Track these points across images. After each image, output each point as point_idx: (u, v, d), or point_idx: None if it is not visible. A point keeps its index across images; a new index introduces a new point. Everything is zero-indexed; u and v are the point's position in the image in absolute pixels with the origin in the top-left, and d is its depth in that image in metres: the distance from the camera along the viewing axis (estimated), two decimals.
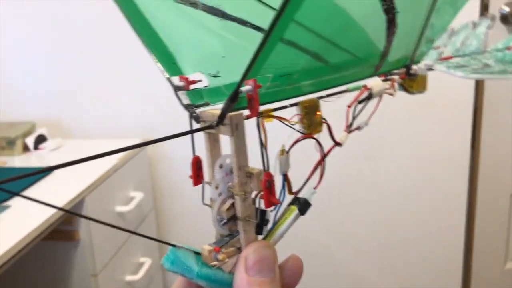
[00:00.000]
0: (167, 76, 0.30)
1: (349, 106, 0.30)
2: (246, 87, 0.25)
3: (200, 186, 0.29)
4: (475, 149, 1.52)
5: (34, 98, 1.59)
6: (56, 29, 1.52)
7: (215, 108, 0.28)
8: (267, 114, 0.29)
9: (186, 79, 0.29)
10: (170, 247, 0.28)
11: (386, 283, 1.62)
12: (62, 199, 1.09)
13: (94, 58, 1.53)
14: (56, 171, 1.23)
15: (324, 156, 0.30)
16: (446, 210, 1.54)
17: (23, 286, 1.30)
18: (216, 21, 0.28)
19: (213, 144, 0.30)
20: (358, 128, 0.31)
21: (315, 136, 0.30)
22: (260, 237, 0.30)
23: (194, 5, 0.28)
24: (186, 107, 0.29)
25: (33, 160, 1.37)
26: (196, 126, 0.29)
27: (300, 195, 0.30)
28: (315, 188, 0.30)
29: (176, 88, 0.29)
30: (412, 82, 0.35)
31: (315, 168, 0.30)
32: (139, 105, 1.56)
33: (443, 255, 1.56)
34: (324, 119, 0.30)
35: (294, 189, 0.30)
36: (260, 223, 0.29)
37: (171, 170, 1.61)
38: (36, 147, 1.43)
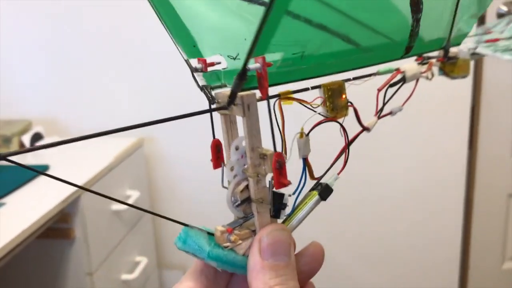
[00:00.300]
0: (186, 58, 0.29)
1: (379, 90, 0.28)
2: (254, 65, 0.25)
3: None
4: (473, 149, 1.52)
5: (30, 96, 1.58)
6: (54, 28, 1.52)
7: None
8: (285, 96, 0.28)
9: (204, 61, 0.28)
10: (183, 227, 0.28)
11: (383, 282, 1.61)
12: (58, 197, 1.07)
13: (91, 56, 1.52)
14: (52, 169, 1.21)
15: (350, 142, 0.28)
16: (444, 210, 1.53)
17: (18, 284, 1.28)
18: (242, 4, 0.27)
19: (230, 126, 0.29)
20: (391, 113, 0.29)
21: (340, 120, 0.28)
22: (278, 221, 0.28)
23: None
24: (202, 88, 0.28)
25: (29, 158, 1.35)
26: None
27: (322, 181, 0.29)
28: (338, 174, 0.29)
29: (194, 70, 0.28)
30: (453, 66, 0.32)
31: (340, 154, 0.29)
32: (136, 104, 1.55)
33: (440, 255, 1.55)
34: (350, 102, 0.28)
35: (316, 175, 0.29)
36: (278, 206, 0.28)
37: (167, 169, 1.60)
38: (32, 145, 1.41)
